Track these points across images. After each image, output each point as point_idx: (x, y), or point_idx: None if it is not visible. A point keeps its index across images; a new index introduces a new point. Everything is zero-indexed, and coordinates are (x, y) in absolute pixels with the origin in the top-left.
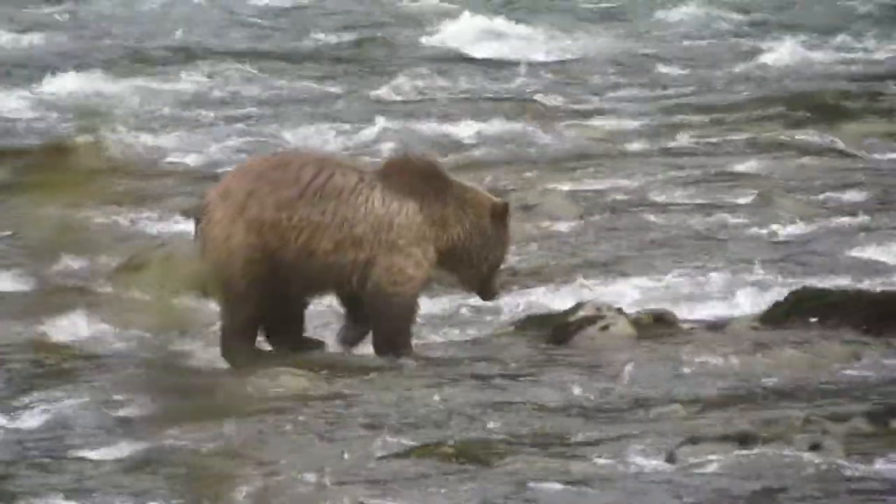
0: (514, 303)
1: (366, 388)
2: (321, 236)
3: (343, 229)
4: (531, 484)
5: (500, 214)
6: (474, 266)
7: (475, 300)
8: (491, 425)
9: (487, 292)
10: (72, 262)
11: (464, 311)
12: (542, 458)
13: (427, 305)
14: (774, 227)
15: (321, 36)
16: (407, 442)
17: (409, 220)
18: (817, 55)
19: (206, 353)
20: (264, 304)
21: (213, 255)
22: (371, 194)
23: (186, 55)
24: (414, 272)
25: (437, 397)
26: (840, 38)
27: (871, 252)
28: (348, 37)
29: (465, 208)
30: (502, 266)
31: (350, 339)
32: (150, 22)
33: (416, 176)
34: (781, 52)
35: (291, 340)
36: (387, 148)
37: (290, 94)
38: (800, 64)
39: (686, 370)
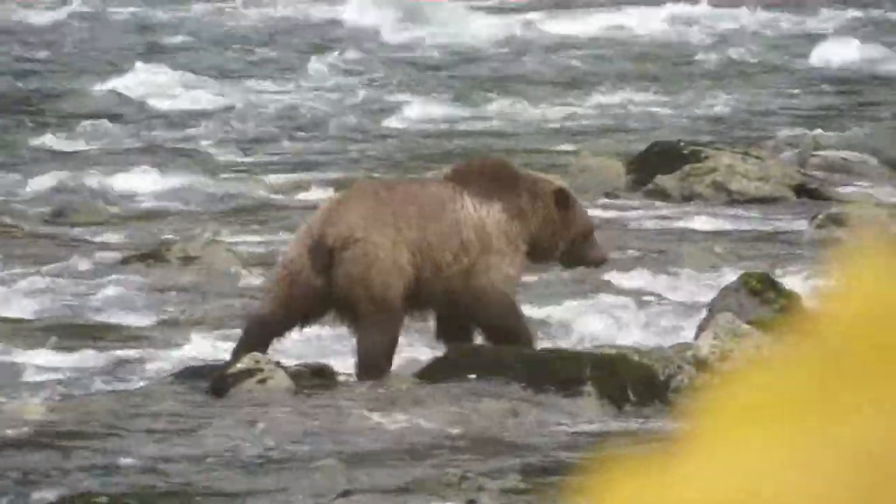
0: (174, 354)
1: (23, 443)
2: (444, 250)
3: (455, 238)
4: None
5: (563, 200)
6: (557, 250)
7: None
8: (148, 480)
9: (588, 262)
10: None
11: (119, 362)
12: None
13: (75, 359)
14: None
15: None
16: (64, 492)
17: (495, 220)
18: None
19: None
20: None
21: (374, 277)
22: (462, 203)
23: None
24: (509, 270)
25: (95, 449)
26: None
27: (530, 311)
28: (21, 84)
29: (536, 200)
30: (591, 237)
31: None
32: None
33: (490, 176)
34: (412, 111)
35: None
36: (60, 199)
37: None
38: (425, 120)
39: (344, 424)
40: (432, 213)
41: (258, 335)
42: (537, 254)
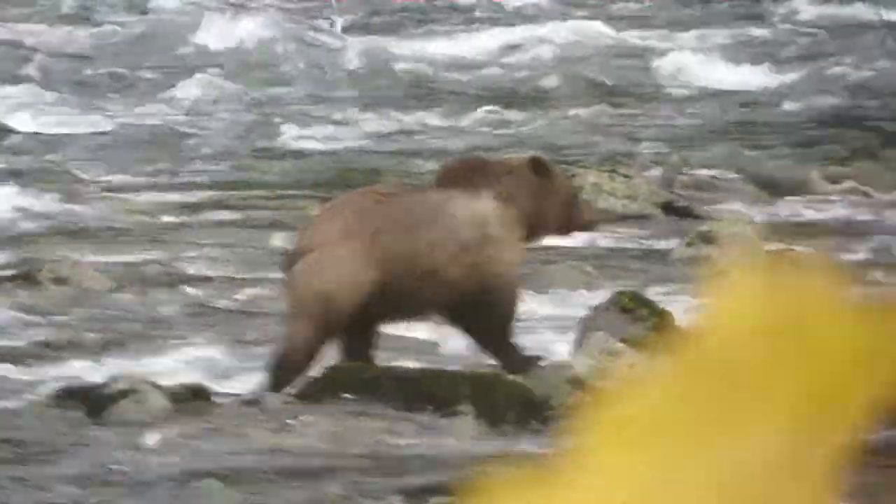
0: (48, 375)
1: None
2: (442, 252)
3: (453, 239)
4: None
5: (539, 167)
6: (550, 222)
7: None
8: (22, 501)
9: (582, 226)
10: None
11: None
12: None
13: None
14: None
15: None
16: None
17: (490, 210)
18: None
19: None
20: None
21: (327, 288)
22: (456, 202)
23: None
24: (510, 256)
25: None
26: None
27: (406, 329)
28: None
29: (516, 178)
30: (578, 203)
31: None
32: None
33: (467, 171)
34: (316, 130)
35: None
36: None
37: None
38: (331, 139)
39: (221, 444)
40: (425, 220)
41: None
42: (532, 231)
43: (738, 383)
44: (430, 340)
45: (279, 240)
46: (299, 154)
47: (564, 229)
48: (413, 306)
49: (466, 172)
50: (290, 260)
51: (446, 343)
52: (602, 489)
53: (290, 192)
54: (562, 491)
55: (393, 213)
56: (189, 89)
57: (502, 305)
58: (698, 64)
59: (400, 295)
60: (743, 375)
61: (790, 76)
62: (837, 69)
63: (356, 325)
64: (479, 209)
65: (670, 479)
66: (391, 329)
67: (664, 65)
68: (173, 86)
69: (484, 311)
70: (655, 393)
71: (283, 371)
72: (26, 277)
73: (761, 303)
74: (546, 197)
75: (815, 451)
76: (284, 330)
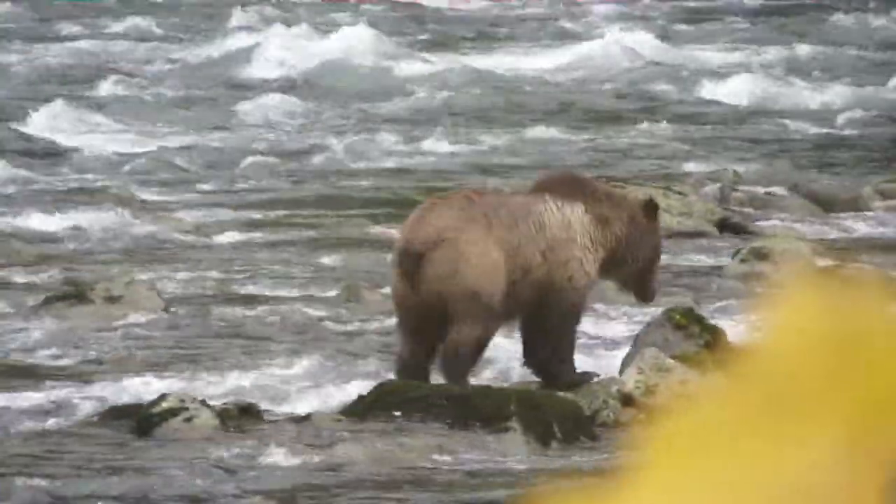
0: (99, 394)
1: None
2: (533, 250)
3: (542, 238)
4: None
5: (651, 210)
6: (630, 264)
7: None
8: None
9: (646, 292)
10: None
11: (46, 403)
12: None
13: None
14: (360, 321)
15: None
16: None
17: (579, 219)
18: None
19: None
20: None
21: (467, 271)
22: (546, 205)
23: None
24: (588, 268)
25: (18, 489)
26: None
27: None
28: None
29: (619, 207)
30: (657, 265)
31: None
32: None
33: (571, 183)
34: (354, 145)
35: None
36: None
37: None
38: (377, 157)
39: (270, 462)
40: (519, 215)
41: (408, 374)
42: (610, 264)
43: (793, 399)
44: (485, 357)
45: (330, 259)
46: (347, 172)
47: (633, 285)
48: (511, 305)
49: (563, 183)
50: (409, 260)
51: (499, 358)
52: None
53: (342, 211)
54: None
55: (494, 207)
56: (241, 107)
57: (566, 311)
58: (754, 82)
59: (509, 289)
60: (798, 391)
61: (844, 93)
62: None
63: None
64: (567, 214)
65: (726, 494)
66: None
67: (719, 82)
68: (233, 102)
69: (549, 313)
70: (711, 409)
71: (456, 373)
72: (79, 296)
73: (817, 319)
74: (639, 242)
75: (870, 467)
76: (451, 334)
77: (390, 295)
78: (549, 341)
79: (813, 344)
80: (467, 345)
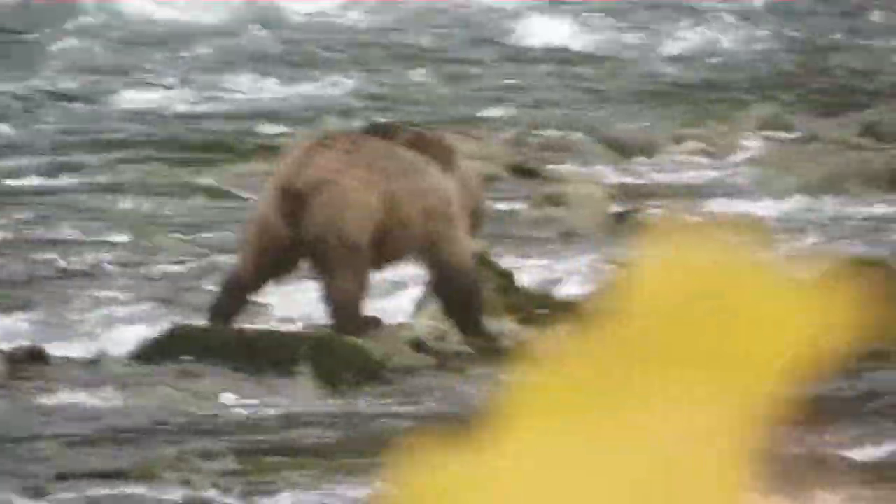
0: None
1: None
2: (413, 205)
3: (420, 202)
4: None
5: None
6: (479, 223)
7: None
8: None
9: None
10: None
11: None
12: None
13: None
14: (152, 264)
15: None
16: None
17: (454, 190)
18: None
19: None
20: None
21: (348, 220)
22: (429, 168)
23: None
24: (467, 242)
25: None
26: (219, 79)
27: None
28: None
29: (466, 173)
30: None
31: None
32: None
33: (440, 147)
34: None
35: None
36: None
37: None
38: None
39: (56, 406)
40: (402, 170)
41: (232, 293)
42: (473, 227)
43: (656, 350)
44: (264, 303)
45: (126, 202)
46: (149, 120)
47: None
48: (383, 255)
49: (440, 148)
50: (289, 198)
51: (287, 305)
52: (523, 457)
53: (149, 154)
54: (485, 457)
55: (379, 155)
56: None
57: (459, 291)
58: (552, 24)
59: (383, 238)
60: (662, 342)
61: (639, 36)
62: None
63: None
64: (446, 186)
65: (592, 448)
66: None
67: (517, 25)
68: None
69: (440, 291)
70: (577, 363)
71: (347, 322)
72: None
73: (678, 270)
74: (479, 215)
75: (734, 415)
76: (326, 280)
77: (246, 224)
78: (460, 315)
79: (676, 293)
80: (355, 296)
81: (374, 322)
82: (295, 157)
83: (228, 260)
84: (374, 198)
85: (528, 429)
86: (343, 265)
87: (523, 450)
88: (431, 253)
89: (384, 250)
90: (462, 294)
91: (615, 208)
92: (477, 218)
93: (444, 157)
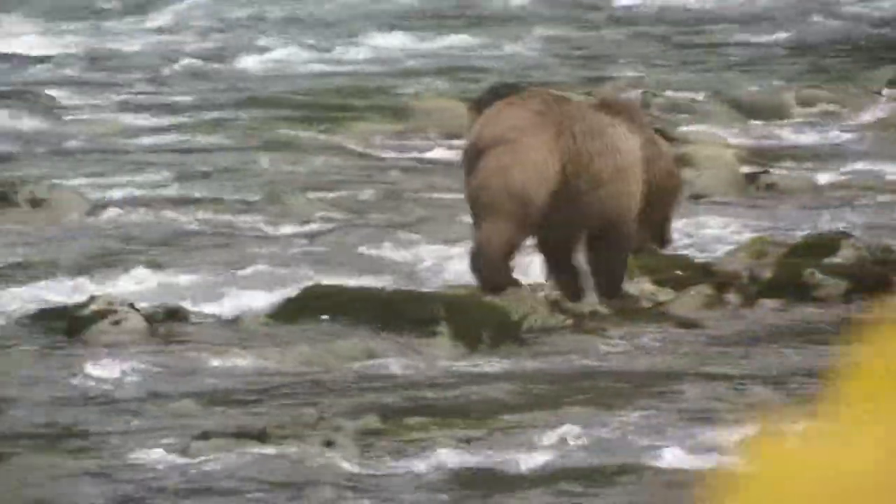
0: (28, 295)
1: None
2: (603, 165)
3: (611, 160)
4: (42, 479)
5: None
6: (658, 209)
7: None
8: (6, 421)
9: (663, 239)
10: None
11: None
12: (57, 452)
13: None
14: (284, 224)
15: None
16: None
17: (638, 154)
18: (310, 56)
19: None
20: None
21: (523, 179)
22: (619, 128)
23: None
24: (636, 202)
25: None
26: (332, 42)
27: (383, 250)
28: None
29: (657, 149)
30: (671, 216)
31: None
32: None
33: (629, 109)
34: (276, 54)
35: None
36: None
37: None
38: (293, 65)
39: (198, 365)
40: (593, 131)
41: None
42: (649, 208)
43: None
44: (406, 262)
45: (266, 162)
46: (269, 79)
47: (652, 228)
48: (574, 213)
49: (628, 110)
50: (472, 154)
51: (438, 268)
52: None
53: (269, 114)
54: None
55: (572, 115)
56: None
57: (622, 244)
58: None
59: (568, 202)
60: None
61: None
62: None
63: (550, 246)
64: (634, 146)
65: None
66: (372, 250)
67: None
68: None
69: (608, 244)
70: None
71: (487, 271)
72: (4, 198)
73: None
74: (664, 194)
75: None
76: (478, 228)
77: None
78: (610, 273)
79: None
80: (495, 245)
81: (514, 282)
82: (488, 115)
83: (357, 219)
84: (556, 160)
85: (868, 397)
86: (496, 216)
87: (863, 417)
88: (608, 210)
89: (569, 210)
90: (616, 252)
91: (744, 169)
92: (670, 177)
93: (632, 117)
